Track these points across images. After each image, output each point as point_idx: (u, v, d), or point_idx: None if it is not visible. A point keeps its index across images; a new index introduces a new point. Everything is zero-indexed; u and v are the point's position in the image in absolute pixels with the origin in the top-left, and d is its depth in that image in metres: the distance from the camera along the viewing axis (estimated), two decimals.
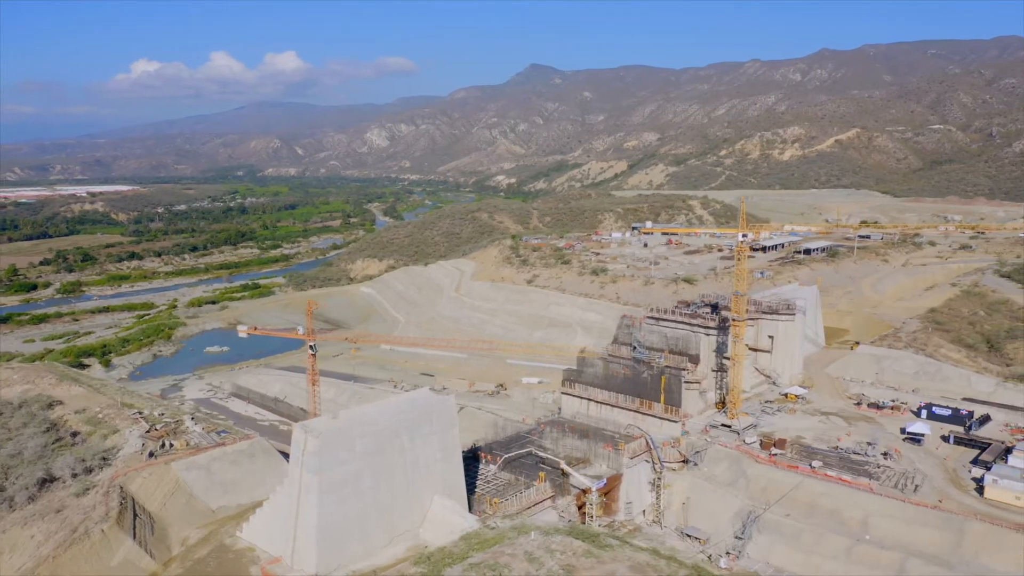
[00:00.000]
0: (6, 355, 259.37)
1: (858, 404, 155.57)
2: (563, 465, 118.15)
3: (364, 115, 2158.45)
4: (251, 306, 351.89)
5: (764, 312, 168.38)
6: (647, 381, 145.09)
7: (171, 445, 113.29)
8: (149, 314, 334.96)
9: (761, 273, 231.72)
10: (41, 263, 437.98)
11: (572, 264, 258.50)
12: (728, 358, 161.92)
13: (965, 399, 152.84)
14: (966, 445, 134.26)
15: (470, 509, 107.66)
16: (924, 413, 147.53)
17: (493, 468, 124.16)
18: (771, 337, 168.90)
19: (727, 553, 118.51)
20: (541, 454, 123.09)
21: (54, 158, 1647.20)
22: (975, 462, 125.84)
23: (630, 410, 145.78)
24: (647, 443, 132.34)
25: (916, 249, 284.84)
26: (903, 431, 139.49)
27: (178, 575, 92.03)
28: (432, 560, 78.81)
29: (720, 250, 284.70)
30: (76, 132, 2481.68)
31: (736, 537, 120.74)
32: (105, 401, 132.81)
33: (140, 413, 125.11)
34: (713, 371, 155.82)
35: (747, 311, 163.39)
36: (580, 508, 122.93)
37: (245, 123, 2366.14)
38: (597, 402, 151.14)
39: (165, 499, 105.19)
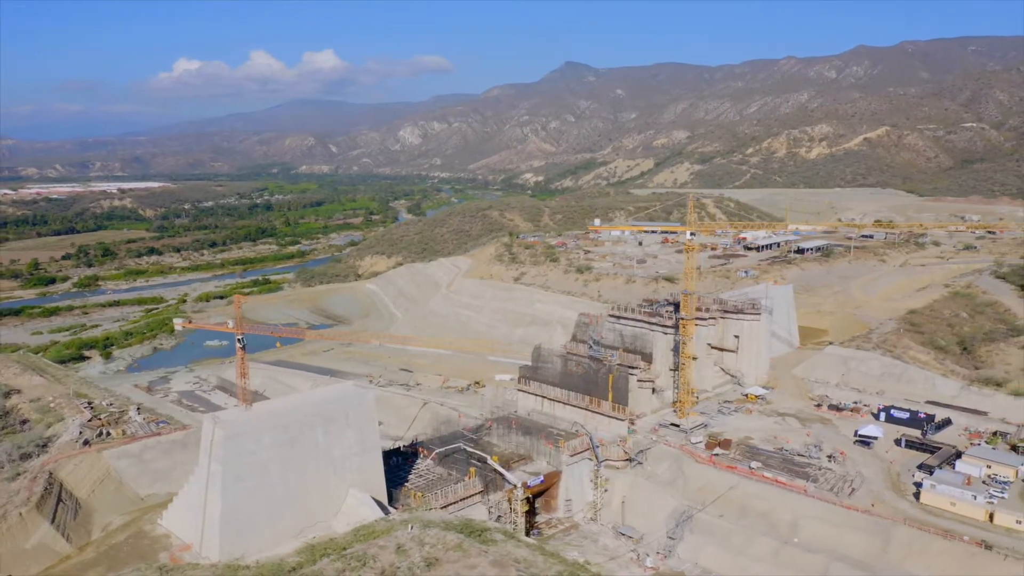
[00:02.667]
0: (11, 346, 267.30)
1: (818, 406, 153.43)
2: (490, 461, 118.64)
3: (398, 113, 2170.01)
4: (257, 301, 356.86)
5: (729, 311, 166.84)
6: (597, 379, 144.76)
7: (108, 434, 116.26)
8: (157, 308, 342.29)
9: (745, 272, 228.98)
10: (63, 258, 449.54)
11: (560, 262, 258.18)
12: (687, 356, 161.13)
13: (928, 402, 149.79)
14: (917, 449, 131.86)
15: (392, 502, 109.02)
16: (883, 416, 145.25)
17: (430, 462, 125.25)
18: (737, 337, 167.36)
19: (657, 552, 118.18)
20: (470, 449, 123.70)
21: (95, 155, 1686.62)
22: (921, 467, 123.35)
23: (580, 408, 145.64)
24: (588, 441, 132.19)
25: (918, 249, 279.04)
26: (856, 434, 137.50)
27: (90, 559, 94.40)
28: (314, 550, 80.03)
29: (713, 248, 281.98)
30: (119, 130, 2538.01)
31: (669, 537, 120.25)
32: (61, 391, 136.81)
33: (89, 403, 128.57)
34: (671, 370, 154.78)
35: (709, 310, 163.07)
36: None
37: (282, 121, 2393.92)
38: (550, 399, 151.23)
39: (94, 486, 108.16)
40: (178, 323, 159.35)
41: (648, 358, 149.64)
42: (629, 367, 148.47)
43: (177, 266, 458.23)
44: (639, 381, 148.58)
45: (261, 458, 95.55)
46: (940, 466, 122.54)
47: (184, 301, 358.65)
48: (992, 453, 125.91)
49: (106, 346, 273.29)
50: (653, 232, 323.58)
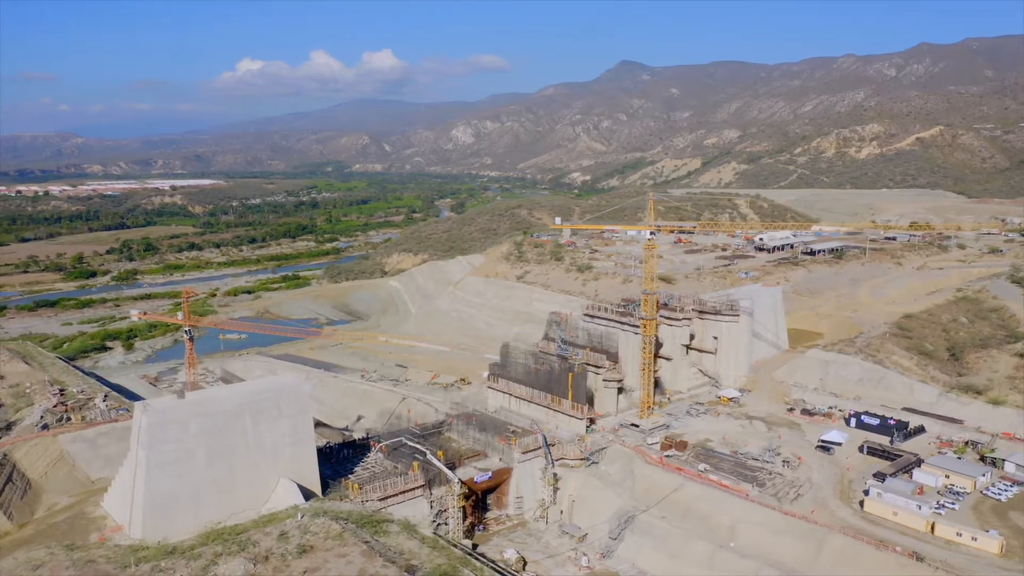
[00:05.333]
0: (39, 336, 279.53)
1: (791, 410, 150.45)
2: (430, 455, 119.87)
3: (453, 112, 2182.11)
4: (283, 296, 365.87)
5: (707, 312, 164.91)
6: (560, 378, 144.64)
7: (68, 419, 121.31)
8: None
9: (745, 273, 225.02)
10: (107, 252, 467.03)
11: (564, 261, 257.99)
12: (660, 356, 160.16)
13: (905, 408, 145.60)
14: (879, 456, 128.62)
15: (325, 492, 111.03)
16: (853, 422, 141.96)
17: (379, 456, 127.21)
18: (716, 338, 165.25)
19: (597, 552, 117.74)
20: (412, 443, 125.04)
21: (159, 153, 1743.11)
22: (877, 475, 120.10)
23: (543, 406, 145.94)
24: (541, 439, 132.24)
25: (941, 252, 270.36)
26: (819, 439, 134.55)
27: (26, 536, 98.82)
28: (209, 535, 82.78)
29: (723, 249, 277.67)
30: (183, 128, 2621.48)
31: (611, 537, 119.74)
32: (41, 378, 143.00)
33: (61, 390, 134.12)
34: (641, 370, 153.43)
35: (683, 310, 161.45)
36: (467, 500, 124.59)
37: (340, 120, 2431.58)
38: (516, 397, 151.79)
39: (47, 468, 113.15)
40: (134, 314, 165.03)
41: (614, 357, 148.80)
42: (595, 366, 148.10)
43: (214, 261, 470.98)
44: (605, 380, 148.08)
45: (187, 445, 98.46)
46: (895, 474, 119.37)
47: (214, 295, 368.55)
48: (952, 463, 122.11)
49: (129, 337, 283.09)
50: (675, 232, 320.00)
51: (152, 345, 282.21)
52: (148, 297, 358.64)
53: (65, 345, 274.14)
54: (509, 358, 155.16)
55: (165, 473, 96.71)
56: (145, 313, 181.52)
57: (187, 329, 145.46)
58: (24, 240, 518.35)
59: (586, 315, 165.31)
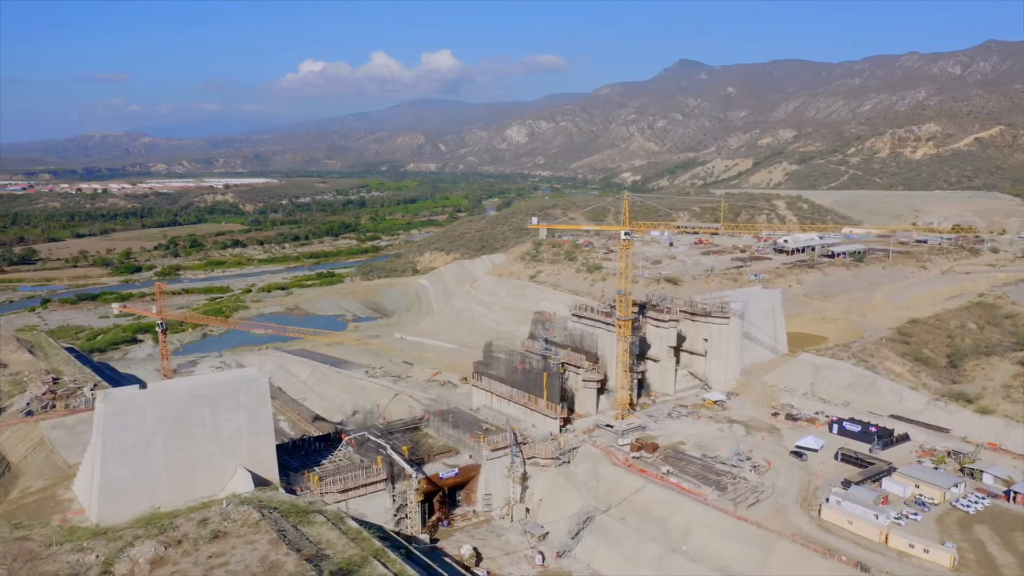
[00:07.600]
0: (75, 328, 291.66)
1: (775, 414, 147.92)
2: (390, 451, 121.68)
3: (509, 112, 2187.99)
4: (315, 293, 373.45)
5: (697, 314, 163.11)
6: (538, 377, 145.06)
7: (53, 406, 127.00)
8: (222, 297, 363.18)
9: (755, 275, 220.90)
10: (154, 248, 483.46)
11: (576, 261, 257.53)
12: (647, 358, 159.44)
13: (892, 416, 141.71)
14: (853, 463, 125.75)
15: (284, 482, 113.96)
16: (835, 428, 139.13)
17: (349, 449, 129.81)
18: (706, 340, 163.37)
19: (554, 551, 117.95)
20: (374, 439, 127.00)
21: (221, 152, 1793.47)
22: (845, 482, 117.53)
23: (520, 404, 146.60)
24: (510, 437, 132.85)
25: (971, 256, 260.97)
26: (795, 445, 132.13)
27: None
28: (143, 519, 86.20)
29: (742, 250, 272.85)
30: (247, 128, 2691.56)
31: (570, 537, 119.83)
32: (40, 367, 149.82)
33: (55, 379, 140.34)
34: (625, 371, 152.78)
35: (670, 311, 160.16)
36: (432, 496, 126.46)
37: (398, 120, 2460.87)
38: (497, 395, 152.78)
39: (27, 452, 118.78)
40: (116, 307, 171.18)
41: (594, 357, 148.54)
42: (574, 366, 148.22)
43: (256, 258, 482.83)
44: (584, 380, 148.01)
45: (144, 433, 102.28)
46: (862, 482, 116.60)
47: (249, 291, 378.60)
48: (924, 472, 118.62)
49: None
50: (695, 233, 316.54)
51: (180, 339, 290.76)
52: (186, 292, 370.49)
53: (99, 337, 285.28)
54: (492, 356, 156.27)
55: (121, 459, 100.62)
56: (125, 306, 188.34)
57: (160, 323, 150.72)
58: (79, 236, 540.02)
59: (573, 315, 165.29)
